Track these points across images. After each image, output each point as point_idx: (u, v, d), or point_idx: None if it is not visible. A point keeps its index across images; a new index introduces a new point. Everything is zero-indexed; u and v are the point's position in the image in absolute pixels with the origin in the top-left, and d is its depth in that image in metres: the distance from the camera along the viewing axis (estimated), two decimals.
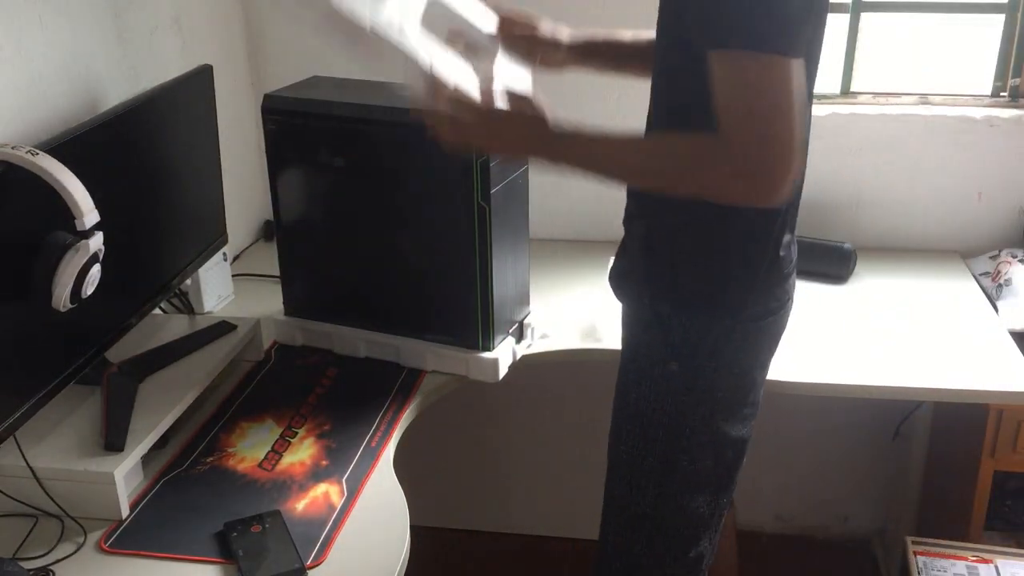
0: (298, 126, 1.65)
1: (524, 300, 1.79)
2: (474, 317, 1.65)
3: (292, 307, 1.81)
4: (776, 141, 1.06)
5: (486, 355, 1.67)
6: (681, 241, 1.32)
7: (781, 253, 1.33)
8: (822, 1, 1.21)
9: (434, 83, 1.23)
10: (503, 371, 1.69)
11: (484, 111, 1.25)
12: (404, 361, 1.72)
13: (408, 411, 1.60)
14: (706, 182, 1.13)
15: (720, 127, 1.08)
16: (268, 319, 1.81)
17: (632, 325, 1.42)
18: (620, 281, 1.43)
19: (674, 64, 1.24)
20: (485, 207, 1.56)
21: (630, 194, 1.38)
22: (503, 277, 1.66)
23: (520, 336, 1.77)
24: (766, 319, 1.35)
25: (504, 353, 1.69)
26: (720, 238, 1.29)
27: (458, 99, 1.23)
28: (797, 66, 1.07)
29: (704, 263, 1.32)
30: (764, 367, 1.42)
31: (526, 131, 1.25)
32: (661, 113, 1.31)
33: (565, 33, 1.48)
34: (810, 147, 2.11)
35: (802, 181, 1.32)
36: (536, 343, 1.80)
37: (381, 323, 1.74)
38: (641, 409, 1.40)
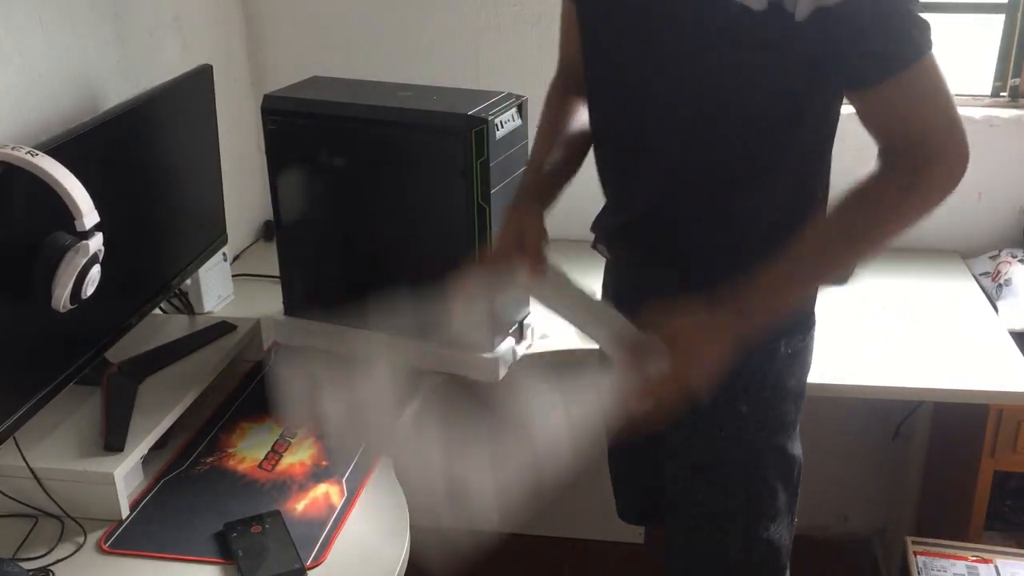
0: (298, 126, 1.65)
1: (524, 300, 1.79)
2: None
3: (292, 307, 1.81)
4: (962, 130, 1.08)
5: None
6: (742, 258, 1.21)
7: None
8: None
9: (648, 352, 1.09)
10: (503, 371, 1.69)
11: (675, 361, 1.09)
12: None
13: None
14: (929, 207, 1.12)
15: (915, 146, 1.08)
16: (268, 319, 1.81)
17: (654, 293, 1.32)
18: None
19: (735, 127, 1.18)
20: (485, 207, 1.56)
21: (668, 240, 1.28)
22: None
23: (520, 336, 1.77)
24: (812, 329, 1.34)
25: (504, 353, 1.69)
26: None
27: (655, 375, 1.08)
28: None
29: None
30: (807, 376, 1.38)
31: (716, 329, 1.10)
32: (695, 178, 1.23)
33: (543, 212, 1.36)
34: None
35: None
36: (536, 343, 1.80)
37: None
38: (711, 458, 1.34)
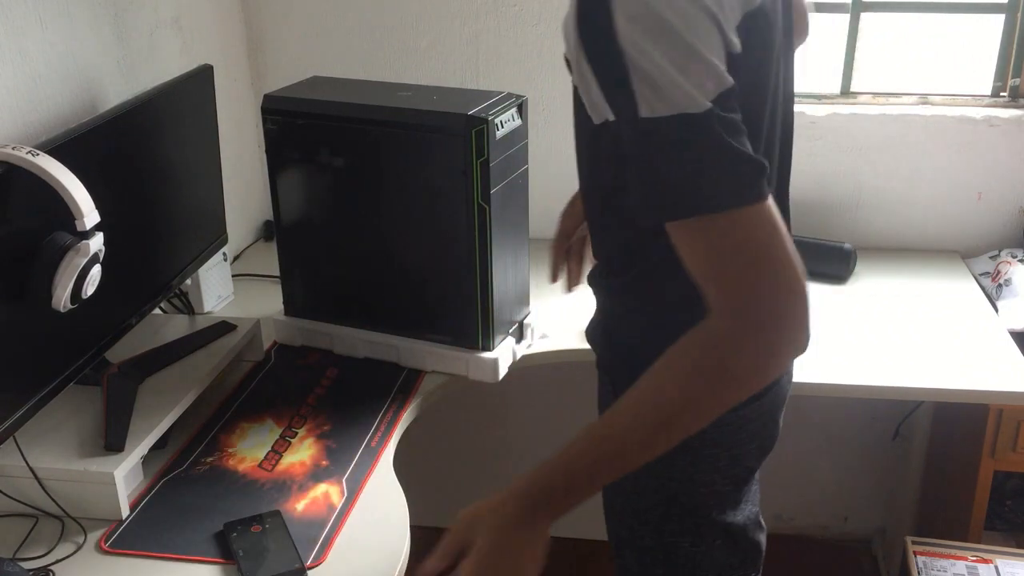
0: (298, 126, 1.65)
1: (524, 300, 1.79)
2: (474, 317, 1.65)
3: (292, 307, 1.81)
4: (779, 295, 0.91)
5: (486, 355, 1.67)
6: (634, 332, 1.20)
7: None
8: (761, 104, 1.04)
9: None
10: (503, 371, 1.69)
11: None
12: (404, 361, 1.72)
13: (408, 411, 1.60)
14: (728, 385, 0.94)
15: (713, 304, 0.92)
16: (268, 319, 1.81)
17: (602, 406, 1.31)
18: (597, 351, 1.31)
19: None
20: (485, 207, 1.56)
21: (597, 272, 1.28)
22: (503, 277, 1.66)
23: (520, 336, 1.77)
24: (748, 406, 1.17)
25: (504, 353, 1.69)
26: (674, 327, 1.02)
27: None
28: (763, 208, 0.90)
29: (653, 352, 1.03)
30: (762, 449, 1.26)
31: (516, 526, 1.02)
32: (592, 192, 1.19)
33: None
34: (810, 147, 2.12)
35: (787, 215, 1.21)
36: (536, 343, 1.80)
37: (381, 323, 1.74)
38: (625, 491, 1.27)
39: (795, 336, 0.92)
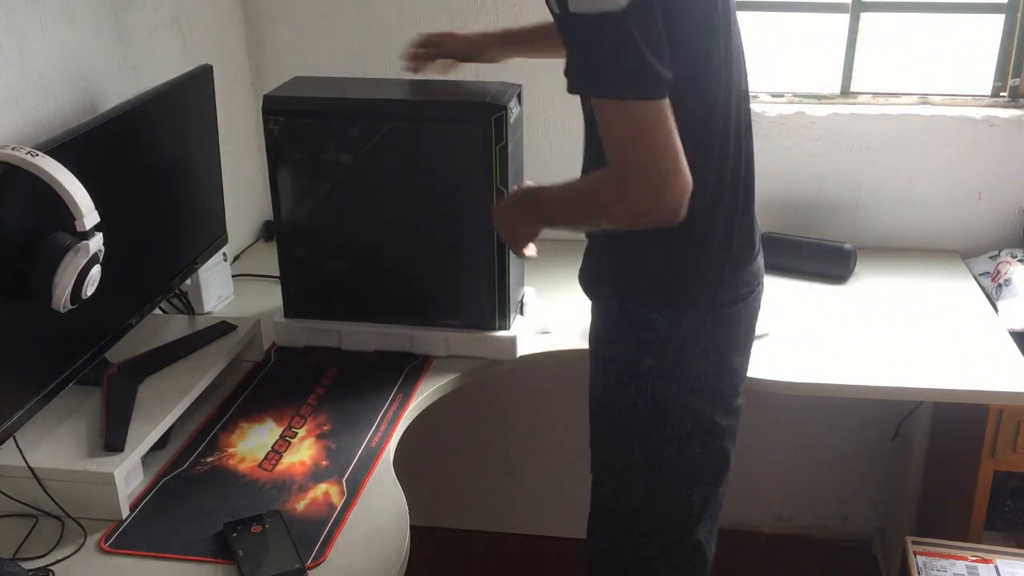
0: (303, 125, 1.65)
1: (522, 278, 1.83)
2: (491, 299, 1.68)
3: (292, 308, 1.80)
4: (647, 173, 1.16)
5: (503, 334, 1.70)
6: (637, 238, 1.34)
7: (739, 240, 1.37)
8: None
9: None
10: (520, 349, 1.72)
11: (498, 206, 1.52)
12: (419, 349, 1.74)
13: (408, 412, 1.60)
14: (612, 215, 1.25)
15: (612, 169, 1.19)
16: (268, 319, 1.81)
17: (603, 326, 1.44)
18: (590, 282, 1.45)
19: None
20: (504, 191, 1.59)
21: None
22: (512, 257, 1.68)
23: (521, 312, 1.80)
24: (736, 305, 1.39)
25: (518, 331, 1.72)
26: (673, 233, 1.30)
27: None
28: (653, 106, 1.14)
29: (664, 257, 1.35)
30: (743, 352, 1.45)
31: (518, 206, 1.45)
32: (588, 154, 1.38)
33: (475, 32, 1.75)
34: (810, 147, 2.12)
35: (745, 172, 1.37)
36: (538, 341, 1.80)
37: (391, 315, 1.75)
38: (620, 408, 1.42)
39: (651, 206, 1.19)
